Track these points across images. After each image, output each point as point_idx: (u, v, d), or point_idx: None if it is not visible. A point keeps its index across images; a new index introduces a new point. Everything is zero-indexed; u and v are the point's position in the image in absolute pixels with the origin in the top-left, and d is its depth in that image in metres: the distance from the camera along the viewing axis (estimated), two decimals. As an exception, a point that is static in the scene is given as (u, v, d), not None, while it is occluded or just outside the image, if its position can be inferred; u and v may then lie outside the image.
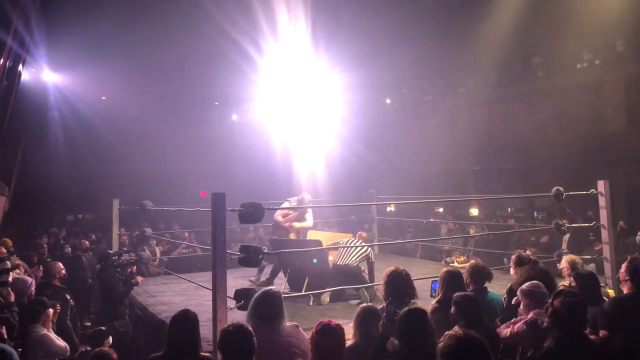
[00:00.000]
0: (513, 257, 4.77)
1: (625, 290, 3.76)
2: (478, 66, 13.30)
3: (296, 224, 7.53)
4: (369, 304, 3.73)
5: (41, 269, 6.71)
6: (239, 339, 2.76)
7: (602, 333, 3.34)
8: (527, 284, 3.79)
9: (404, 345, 3.15)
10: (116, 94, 15.14)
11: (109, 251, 7.35)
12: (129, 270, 6.86)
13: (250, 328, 2.84)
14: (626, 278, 3.69)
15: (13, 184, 8.19)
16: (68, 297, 5.45)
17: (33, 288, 4.91)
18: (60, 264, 6.27)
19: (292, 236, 7.48)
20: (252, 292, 3.90)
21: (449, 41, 13.19)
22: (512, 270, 4.66)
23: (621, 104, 10.82)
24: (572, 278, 4.15)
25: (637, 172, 10.33)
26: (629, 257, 4.09)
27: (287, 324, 3.39)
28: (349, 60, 12.95)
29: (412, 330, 3.14)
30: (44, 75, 13.96)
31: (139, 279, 6.93)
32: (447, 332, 2.46)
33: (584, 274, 4.14)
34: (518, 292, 3.83)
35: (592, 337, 3.30)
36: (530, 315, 3.60)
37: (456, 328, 2.52)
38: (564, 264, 4.75)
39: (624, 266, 3.83)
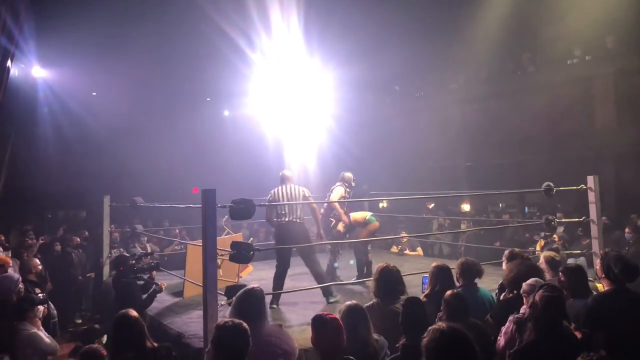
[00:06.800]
0: (506, 252, 4.82)
1: (604, 286, 3.76)
2: (469, 62, 13.35)
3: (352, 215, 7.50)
4: (355, 302, 3.39)
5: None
6: (234, 337, 2.74)
7: (583, 331, 3.36)
8: (529, 280, 3.76)
9: (406, 335, 3.18)
10: (107, 90, 14.97)
11: (125, 254, 6.62)
12: (149, 275, 6.01)
13: (246, 327, 2.80)
14: (602, 275, 3.71)
15: (2, 180, 8.13)
16: (38, 291, 5.33)
17: (21, 285, 4.82)
18: (37, 260, 6.11)
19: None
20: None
21: (440, 38, 13.20)
22: (504, 265, 4.70)
23: (611, 99, 10.92)
24: (560, 273, 4.17)
25: (626, 168, 10.42)
26: (600, 252, 4.09)
27: (270, 323, 3.33)
28: (341, 56, 12.91)
29: (412, 319, 3.19)
30: (34, 71, 13.78)
31: (163, 284, 6.01)
32: (430, 327, 2.48)
33: (572, 268, 4.16)
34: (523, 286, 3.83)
35: (577, 333, 3.32)
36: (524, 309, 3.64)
37: (440, 322, 2.54)
38: (542, 261, 4.62)
39: (598, 263, 3.82)
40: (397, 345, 3.22)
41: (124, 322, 3.38)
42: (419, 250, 10.53)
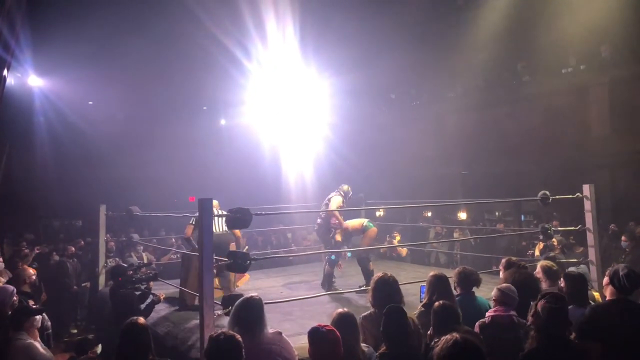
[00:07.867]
0: (503, 261, 4.83)
1: (607, 295, 3.75)
2: (466, 72, 13.43)
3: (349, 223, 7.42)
4: (346, 309, 3.35)
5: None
6: (227, 349, 2.70)
7: (580, 342, 3.36)
8: (503, 285, 3.91)
9: (386, 344, 3.16)
10: (103, 99, 15.01)
11: (123, 264, 6.59)
12: (146, 285, 5.89)
13: (239, 339, 2.76)
14: (607, 282, 3.71)
15: (-3, 189, 8.10)
16: (31, 302, 5.24)
17: (15, 297, 4.75)
18: (31, 270, 6.01)
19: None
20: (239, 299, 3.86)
21: (437, 47, 13.29)
22: (501, 274, 4.69)
23: (606, 108, 11.00)
24: (562, 278, 4.18)
25: (621, 175, 10.46)
26: (613, 264, 4.13)
27: (270, 331, 3.30)
28: (338, 65, 12.98)
29: (392, 328, 3.16)
30: (30, 80, 13.78)
31: (161, 295, 5.91)
32: (444, 337, 2.48)
33: (574, 275, 4.15)
34: (493, 291, 3.93)
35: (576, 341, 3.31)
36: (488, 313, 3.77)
37: (454, 332, 2.55)
38: (538, 270, 4.64)
39: (607, 272, 3.84)
40: (376, 354, 3.19)
41: (131, 330, 3.32)
42: (404, 251, 10.49)
